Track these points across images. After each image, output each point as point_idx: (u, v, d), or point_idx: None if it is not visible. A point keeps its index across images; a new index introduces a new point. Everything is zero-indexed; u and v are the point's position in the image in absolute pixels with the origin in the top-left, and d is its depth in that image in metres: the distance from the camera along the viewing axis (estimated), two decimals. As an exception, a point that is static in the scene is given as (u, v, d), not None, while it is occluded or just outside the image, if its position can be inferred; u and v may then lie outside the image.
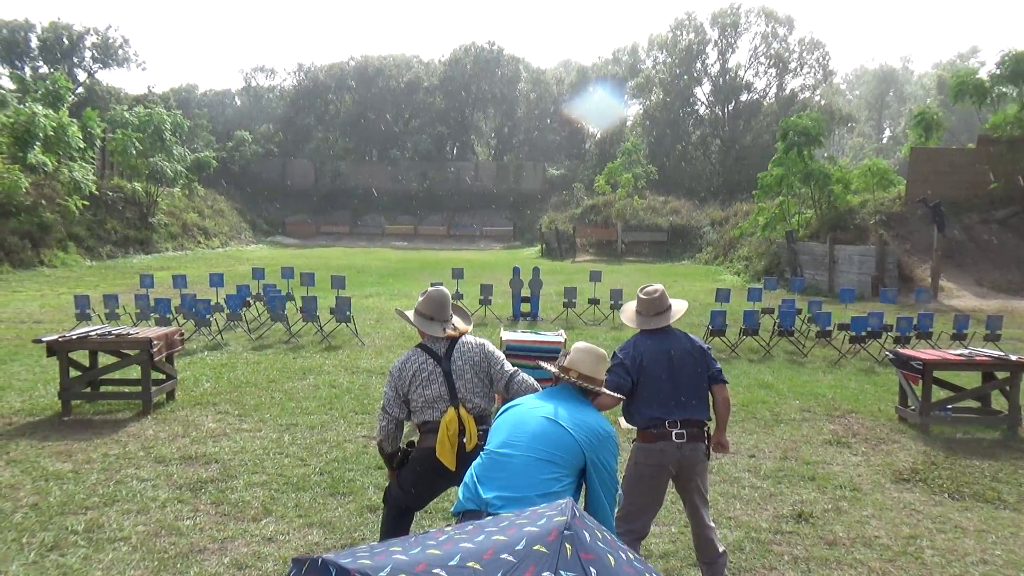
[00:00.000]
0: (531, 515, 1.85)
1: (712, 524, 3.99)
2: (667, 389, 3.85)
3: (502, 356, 3.96)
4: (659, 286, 4.07)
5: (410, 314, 3.97)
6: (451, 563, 1.60)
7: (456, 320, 3.95)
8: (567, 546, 1.63)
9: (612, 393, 3.62)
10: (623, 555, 1.77)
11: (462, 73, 56.62)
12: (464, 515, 2.76)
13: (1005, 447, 7.09)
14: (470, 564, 1.59)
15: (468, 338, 3.92)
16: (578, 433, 2.90)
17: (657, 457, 3.80)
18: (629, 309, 4.13)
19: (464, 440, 3.62)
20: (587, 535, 1.72)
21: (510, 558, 1.60)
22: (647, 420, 3.83)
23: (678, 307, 4.08)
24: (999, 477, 6.17)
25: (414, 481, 3.74)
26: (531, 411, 3.02)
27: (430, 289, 3.98)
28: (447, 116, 56.53)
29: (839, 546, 4.77)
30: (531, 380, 3.88)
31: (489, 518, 2.02)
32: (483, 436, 3.61)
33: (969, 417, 7.85)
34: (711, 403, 4.02)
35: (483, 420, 3.75)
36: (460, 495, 2.87)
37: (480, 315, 14.90)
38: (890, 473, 6.21)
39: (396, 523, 3.85)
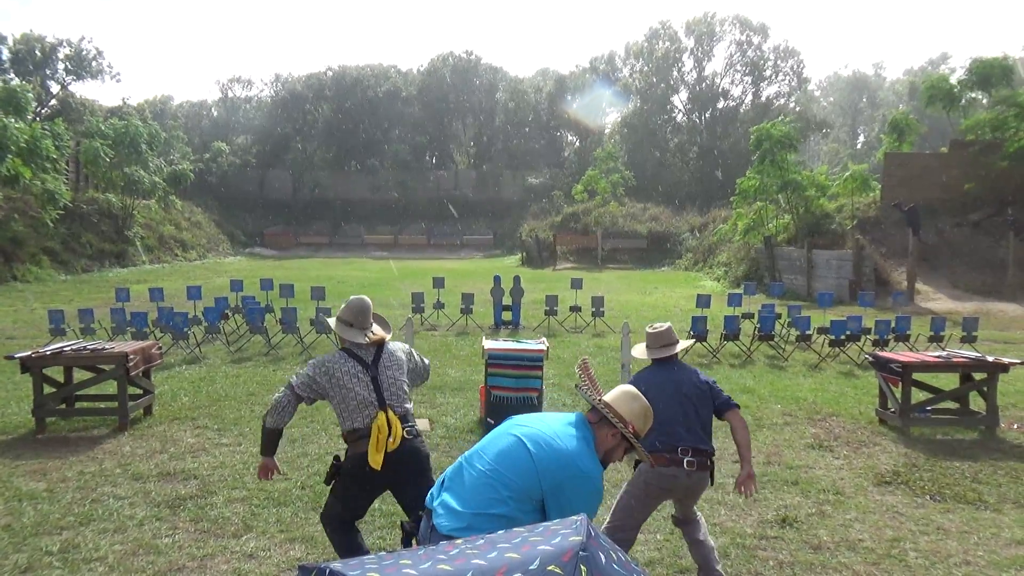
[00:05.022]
0: (545, 532, 1.81)
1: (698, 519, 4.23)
2: (677, 418, 3.99)
3: (416, 353, 4.28)
4: (667, 324, 4.37)
5: (332, 322, 4.10)
6: None
7: (375, 328, 4.09)
8: (582, 568, 1.60)
9: (641, 448, 3.02)
10: None
11: (440, 82, 56.64)
12: (424, 510, 2.82)
13: (984, 448, 7.16)
14: None
15: (392, 345, 4.10)
16: (541, 461, 2.68)
17: (669, 481, 3.98)
18: (640, 345, 4.44)
19: (390, 440, 3.75)
20: (602, 556, 1.69)
21: None
22: (662, 446, 3.93)
23: (683, 344, 4.41)
24: (979, 478, 6.23)
25: (354, 489, 3.88)
26: (516, 428, 2.88)
27: (352, 298, 4.10)
28: (426, 125, 56.49)
29: (824, 550, 4.79)
30: (426, 362, 4.32)
31: (500, 532, 1.96)
32: (409, 432, 3.84)
33: (948, 418, 7.93)
34: (731, 430, 4.20)
35: (406, 420, 3.89)
36: (432, 489, 2.89)
37: (462, 324, 14.85)
38: (872, 476, 6.25)
39: (347, 537, 3.93)
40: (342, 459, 3.94)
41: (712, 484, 4.12)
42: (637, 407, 2.94)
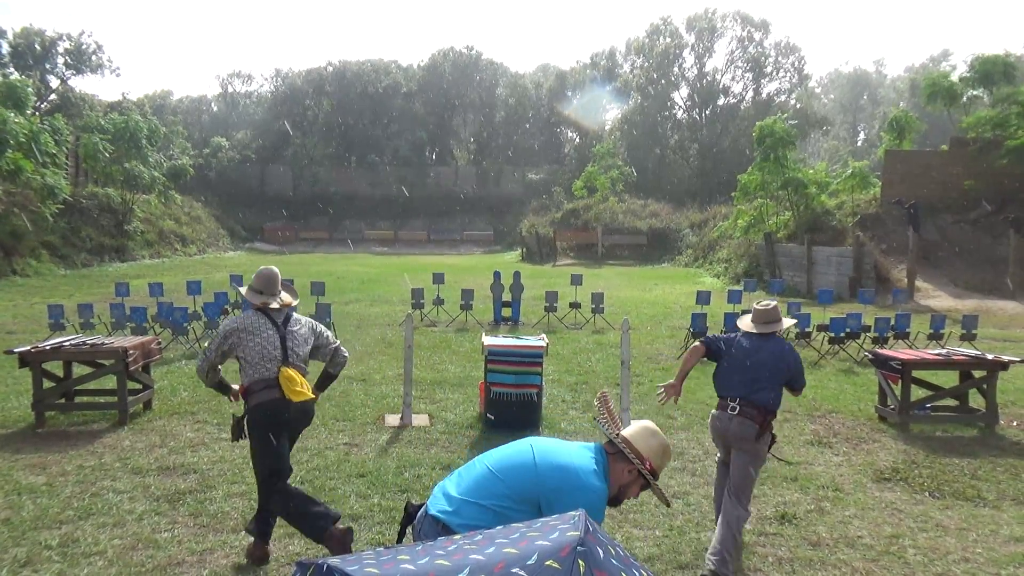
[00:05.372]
0: (543, 527, 1.81)
1: (745, 500, 4.55)
2: (739, 374, 4.62)
3: (328, 332, 4.78)
4: (773, 303, 4.89)
5: (243, 290, 4.64)
6: (460, 575, 1.56)
7: (284, 295, 4.62)
8: (580, 563, 1.60)
9: (657, 486, 2.98)
10: (637, 573, 1.74)
11: (441, 78, 56.55)
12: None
13: (983, 445, 7.16)
14: None
15: (301, 316, 4.68)
16: (543, 465, 2.70)
17: (718, 422, 4.67)
18: (745, 318, 4.99)
19: (301, 389, 4.31)
20: (600, 551, 1.68)
21: (522, 573, 1.57)
22: (718, 393, 4.75)
23: (787, 323, 5.02)
24: (978, 475, 6.23)
25: (269, 439, 4.30)
26: (532, 439, 2.91)
27: (260, 268, 4.68)
28: (426, 121, 56.39)
29: (822, 547, 4.79)
30: (345, 352, 4.78)
31: (498, 528, 1.97)
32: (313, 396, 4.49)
33: (947, 416, 7.93)
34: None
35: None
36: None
37: (461, 320, 14.85)
38: (871, 473, 6.25)
39: (281, 493, 4.29)
40: (241, 417, 4.44)
41: (758, 440, 4.52)
42: (655, 444, 2.89)
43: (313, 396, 4.45)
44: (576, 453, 2.81)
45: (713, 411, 4.73)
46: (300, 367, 4.42)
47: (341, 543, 4.07)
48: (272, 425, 4.29)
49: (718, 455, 4.91)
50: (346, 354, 4.80)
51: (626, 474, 2.83)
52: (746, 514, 4.54)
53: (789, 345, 4.80)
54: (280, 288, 4.60)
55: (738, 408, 4.51)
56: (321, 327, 4.73)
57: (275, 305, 4.49)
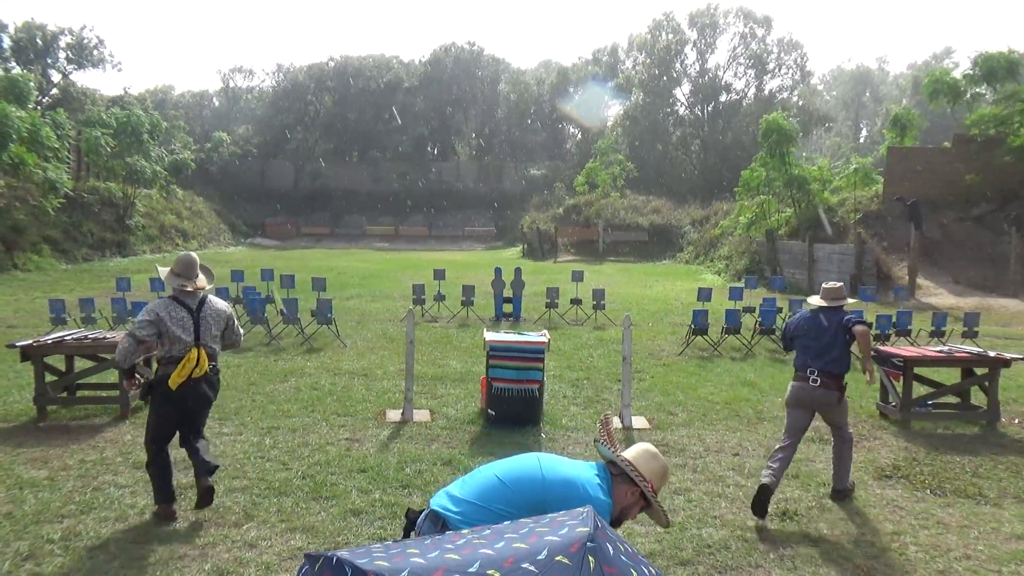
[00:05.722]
0: (552, 523, 1.81)
1: (847, 436, 5.60)
2: (813, 349, 5.50)
3: (236, 322, 5.38)
4: (840, 283, 5.80)
5: (163, 272, 5.18)
6: (470, 569, 1.56)
7: (201, 278, 5.17)
8: (590, 559, 1.60)
9: (658, 506, 2.98)
10: (645, 570, 1.74)
11: (442, 73, 56.48)
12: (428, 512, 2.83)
13: (985, 442, 7.16)
14: (490, 572, 1.56)
15: (215, 301, 5.22)
16: (550, 479, 2.71)
17: (799, 392, 5.51)
18: (815, 296, 5.87)
19: (196, 369, 4.90)
20: (610, 548, 1.68)
21: (532, 568, 1.57)
22: (797, 365, 5.63)
23: (851, 300, 6.06)
24: (980, 472, 6.23)
25: (164, 406, 4.98)
26: (539, 454, 2.93)
27: (181, 253, 5.27)
28: (428, 116, 56.35)
29: (824, 543, 4.79)
30: (240, 333, 5.43)
31: (507, 523, 1.97)
32: (212, 369, 5.06)
33: (949, 413, 7.92)
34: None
35: (213, 358, 5.08)
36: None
37: (463, 316, 14.85)
38: (873, 470, 6.25)
39: (161, 459, 5.00)
40: (152, 382, 5.01)
41: (840, 402, 5.45)
42: (657, 466, 2.89)
43: (206, 371, 4.99)
44: (582, 469, 2.83)
45: (793, 383, 5.57)
46: (210, 347, 5.05)
47: (163, 517, 4.92)
48: (166, 398, 4.92)
49: (788, 416, 5.63)
50: (239, 341, 5.49)
51: (629, 495, 2.83)
52: (852, 436, 5.71)
53: (850, 312, 5.63)
54: (198, 272, 5.16)
55: (819, 380, 5.40)
56: (233, 315, 5.37)
57: (190, 288, 5.04)
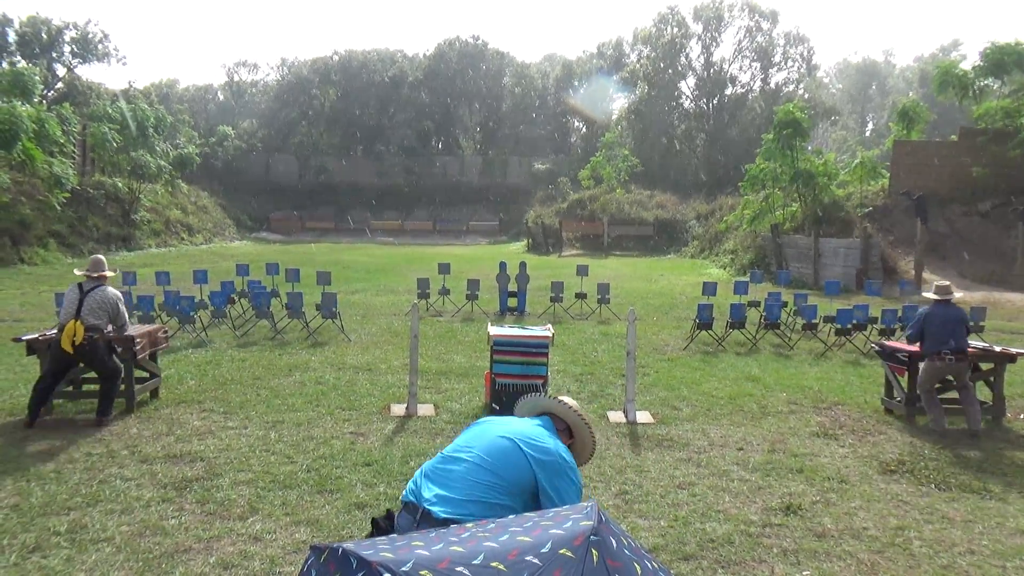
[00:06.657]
0: (556, 516, 1.82)
1: (974, 398, 7.35)
2: (945, 335, 7.16)
3: (124, 312, 7.18)
4: (948, 282, 7.61)
5: (77, 271, 7.11)
6: (475, 561, 1.57)
7: (101, 272, 7.02)
8: (593, 552, 1.61)
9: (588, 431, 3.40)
10: (649, 564, 1.74)
11: (447, 67, 56.41)
12: (406, 505, 2.83)
13: (990, 437, 7.14)
14: (494, 564, 1.57)
15: (108, 289, 7.02)
16: (531, 452, 2.84)
17: (937, 369, 7.23)
18: (929, 292, 7.64)
19: (75, 338, 6.61)
20: (614, 542, 1.69)
21: (535, 561, 1.57)
22: (931, 350, 7.22)
23: (957, 295, 7.72)
24: (984, 467, 6.21)
25: (54, 359, 6.88)
26: (497, 426, 3.02)
27: (91, 256, 7.23)
28: (432, 110, 56.32)
29: (828, 538, 4.78)
30: (126, 317, 7.23)
31: (511, 516, 1.98)
32: (88, 338, 6.69)
33: (954, 408, 7.89)
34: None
35: (93, 330, 6.77)
36: (408, 486, 2.92)
37: (467, 310, 14.86)
38: (877, 464, 6.24)
39: (42, 385, 6.84)
40: (51, 340, 6.96)
41: (970, 372, 7.41)
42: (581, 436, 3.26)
43: (82, 341, 6.64)
44: (543, 435, 3.01)
45: (933, 362, 7.17)
46: (91, 323, 6.71)
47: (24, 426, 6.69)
48: (58, 353, 6.77)
49: (933, 386, 7.38)
50: (126, 326, 7.22)
51: (563, 437, 3.15)
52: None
53: (961, 308, 7.46)
54: (100, 269, 7.03)
55: (954, 358, 7.10)
56: (120, 305, 7.05)
57: (91, 276, 6.98)
